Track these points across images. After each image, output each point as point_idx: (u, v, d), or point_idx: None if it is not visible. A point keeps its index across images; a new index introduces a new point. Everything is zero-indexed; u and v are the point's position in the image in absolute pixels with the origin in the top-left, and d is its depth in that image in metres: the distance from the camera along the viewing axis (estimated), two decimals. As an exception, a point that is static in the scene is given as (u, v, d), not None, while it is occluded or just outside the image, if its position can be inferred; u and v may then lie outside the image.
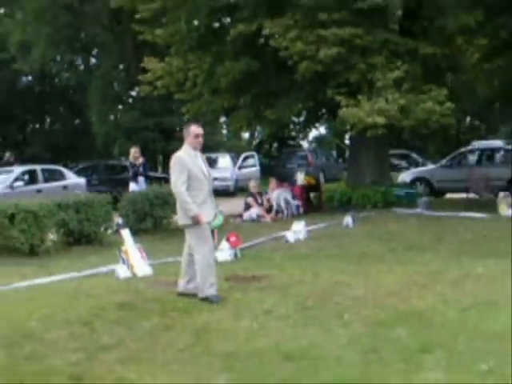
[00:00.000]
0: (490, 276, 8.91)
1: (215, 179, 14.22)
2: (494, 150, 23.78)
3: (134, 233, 11.39)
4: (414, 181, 23.07)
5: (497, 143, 25.12)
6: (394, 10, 18.69)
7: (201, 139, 8.02)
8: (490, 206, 17.34)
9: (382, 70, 17.00)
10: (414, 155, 34.50)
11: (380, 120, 16.25)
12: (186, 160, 7.87)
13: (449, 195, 23.27)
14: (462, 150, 24.57)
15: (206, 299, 7.80)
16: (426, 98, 17.04)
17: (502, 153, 23.41)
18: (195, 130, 8.02)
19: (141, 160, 18.63)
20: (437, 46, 17.94)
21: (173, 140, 32.10)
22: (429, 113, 16.96)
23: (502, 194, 17.78)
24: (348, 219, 15.28)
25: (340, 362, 5.56)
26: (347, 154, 30.84)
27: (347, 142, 35.35)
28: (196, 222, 7.77)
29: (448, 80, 19.83)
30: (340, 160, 41.37)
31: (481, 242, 12.22)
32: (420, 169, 26.40)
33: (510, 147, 23.45)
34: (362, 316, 7.07)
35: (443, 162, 24.04)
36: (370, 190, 18.85)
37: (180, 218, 8.02)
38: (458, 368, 5.25)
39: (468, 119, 36.77)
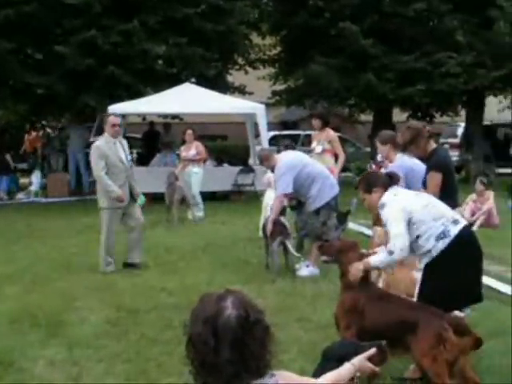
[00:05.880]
0: None
1: None
2: None
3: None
4: None
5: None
6: None
7: (118, 128, 7.43)
8: None
9: None
10: None
11: None
12: (104, 148, 7.27)
13: None
14: None
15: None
16: None
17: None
18: (113, 119, 7.45)
19: None
20: None
21: None
22: None
23: None
24: None
25: None
26: None
27: None
28: (120, 200, 7.26)
29: None
30: None
31: None
32: None
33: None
34: None
35: None
36: None
37: (101, 201, 7.41)
38: None
39: None
